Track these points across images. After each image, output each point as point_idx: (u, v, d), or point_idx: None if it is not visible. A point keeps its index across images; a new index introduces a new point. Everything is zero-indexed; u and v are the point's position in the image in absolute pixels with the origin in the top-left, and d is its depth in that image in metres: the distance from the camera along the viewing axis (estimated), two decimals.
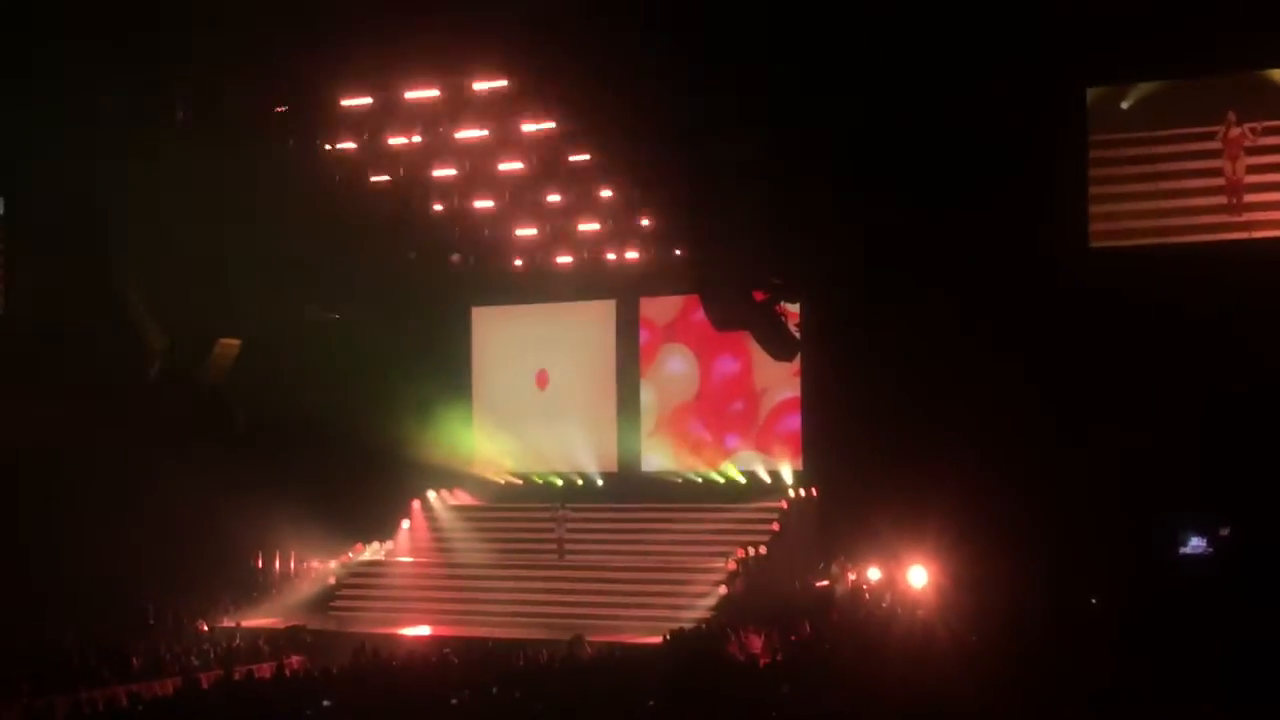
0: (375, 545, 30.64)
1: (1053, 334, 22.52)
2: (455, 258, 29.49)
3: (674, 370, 30.72)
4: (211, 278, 25.48)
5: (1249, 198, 22.68)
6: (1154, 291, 22.16)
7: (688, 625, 22.97)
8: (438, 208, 27.30)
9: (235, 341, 27.16)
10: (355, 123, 24.33)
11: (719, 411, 30.32)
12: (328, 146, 24.87)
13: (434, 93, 23.30)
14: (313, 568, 30.08)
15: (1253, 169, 22.66)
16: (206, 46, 21.44)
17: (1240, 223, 22.72)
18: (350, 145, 24.81)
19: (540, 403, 31.84)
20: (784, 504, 28.48)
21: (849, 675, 15.19)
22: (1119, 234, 23.42)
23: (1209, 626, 15.66)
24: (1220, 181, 22.77)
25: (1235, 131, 22.65)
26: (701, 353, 30.31)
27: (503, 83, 22.86)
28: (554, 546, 29.07)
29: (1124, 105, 23.44)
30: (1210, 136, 22.86)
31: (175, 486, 25.87)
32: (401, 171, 25.76)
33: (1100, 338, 22.35)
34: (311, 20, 20.91)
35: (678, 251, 27.19)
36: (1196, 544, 22.43)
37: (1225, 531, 22.27)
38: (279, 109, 23.62)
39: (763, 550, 27.23)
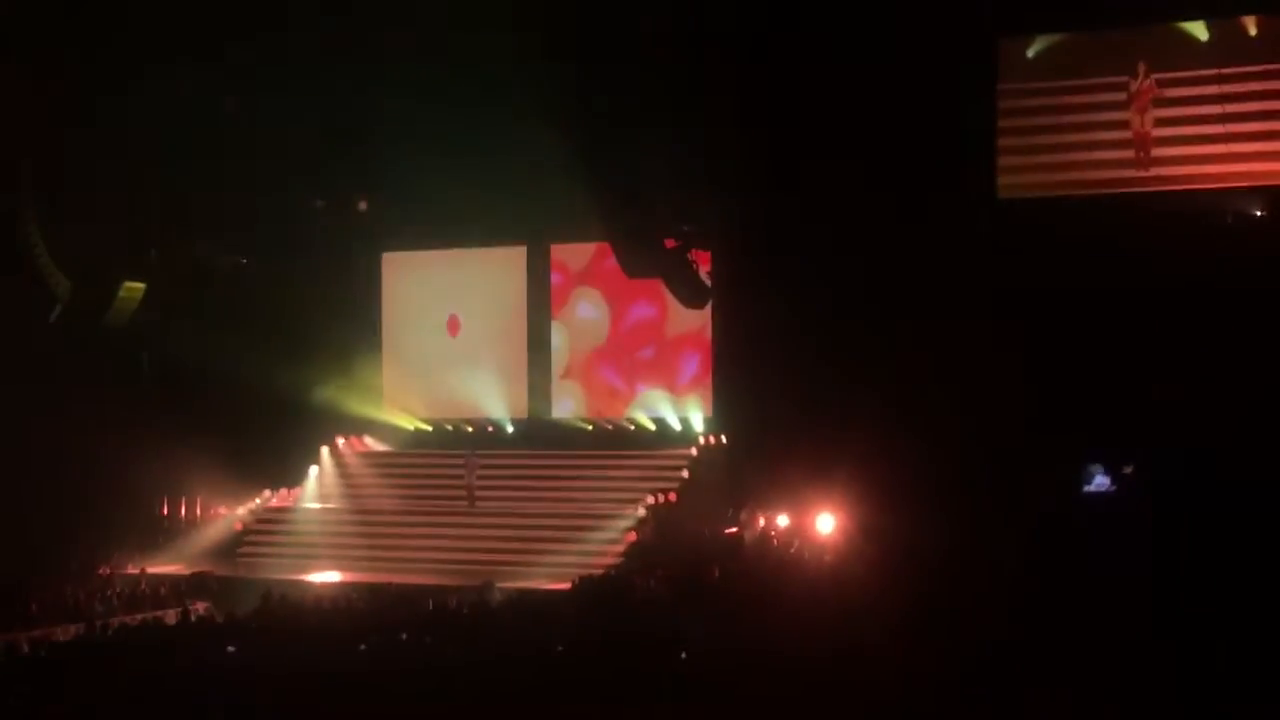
0: (283, 491, 30.42)
1: (960, 284, 22.68)
2: (362, 205, 29.22)
3: (585, 316, 30.63)
4: (115, 220, 25.10)
5: (1156, 151, 22.90)
6: (1061, 242, 22.38)
7: (597, 571, 23.07)
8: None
9: (140, 285, 26.77)
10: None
11: (630, 358, 30.30)
12: None
13: None
14: (220, 514, 29.81)
15: (1160, 121, 22.85)
16: None
17: (1148, 176, 22.94)
18: None
19: (451, 349, 31.64)
20: (694, 451, 28.57)
21: (755, 615, 15.34)
22: (1027, 185, 23.60)
23: (1113, 564, 15.94)
24: (1128, 134, 22.97)
25: (1144, 83, 22.82)
26: (614, 299, 30.24)
27: None
28: (464, 493, 29.02)
29: (1030, 54, 23.51)
30: (1120, 88, 23.02)
31: (79, 431, 25.53)
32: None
33: (1007, 288, 22.54)
34: None
35: (587, 199, 27.08)
36: (1100, 482, 22.81)
37: (1129, 469, 22.66)
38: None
39: (672, 497, 27.34)
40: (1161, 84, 22.73)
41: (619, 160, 23.31)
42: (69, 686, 13.81)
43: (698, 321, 28.56)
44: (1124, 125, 22.96)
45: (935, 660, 11.48)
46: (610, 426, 30.22)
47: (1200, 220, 22.31)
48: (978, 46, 23.02)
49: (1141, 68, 22.80)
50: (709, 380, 28.85)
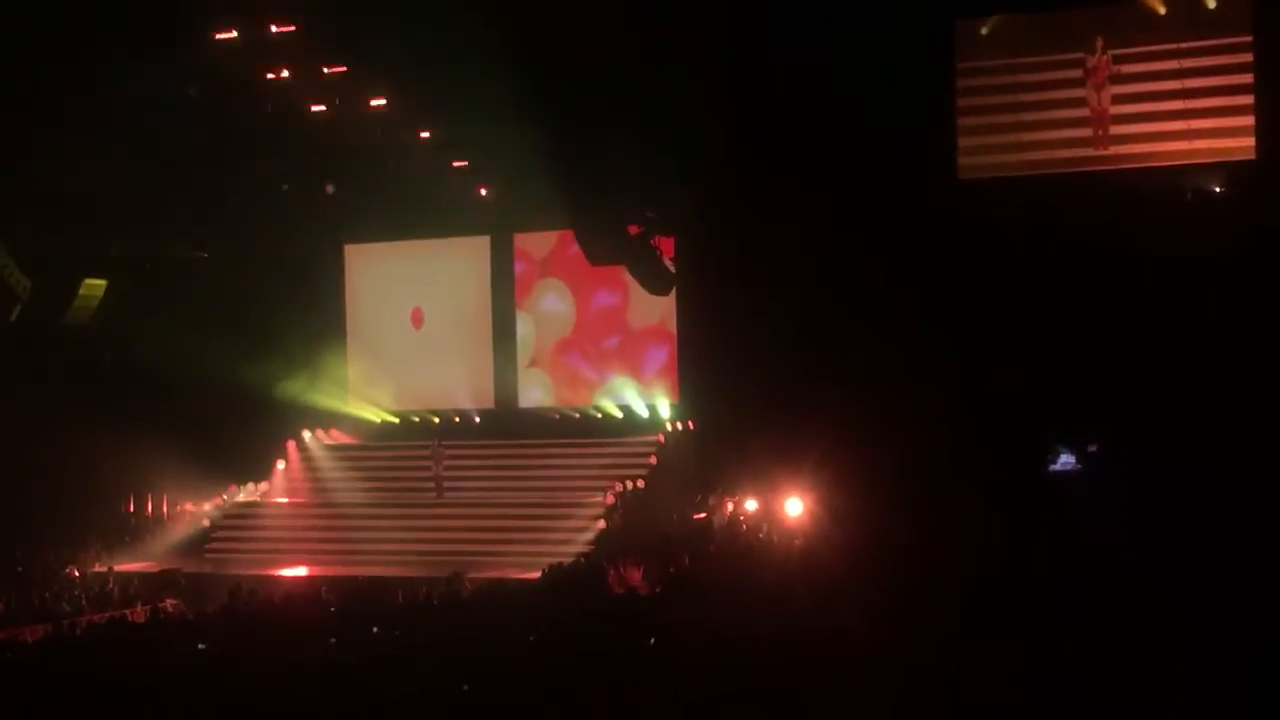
0: (250, 487, 30.32)
1: (923, 266, 22.75)
2: (329, 188, 29.08)
3: (550, 308, 30.60)
4: (74, 217, 24.94)
5: (1114, 129, 22.95)
6: (1021, 222, 22.47)
7: (566, 560, 23.06)
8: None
9: (100, 282, 26.62)
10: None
11: (596, 347, 30.30)
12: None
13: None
14: (187, 511, 29.72)
15: (1119, 98, 22.85)
16: None
17: (1107, 155, 22.97)
18: None
19: (416, 341, 31.59)
20: (661, 438, 28.61)
21: (725, 602, 15.37)
22: (986, 166, 23.64)
23: (1079, 542, 16.05)
24: (1086, 112, 22.98)
25: (1101, 59, 22.80)
26: (578, 288, 30.22)
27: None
28: (432, 485, 28.98)
29: (983, 31, 23.42)
30: (1077, 64, 23.00)
31: (43, 430, 25.37)
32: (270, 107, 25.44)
33: (969, 269, 22.63)
34: None
35: (550, 187, 27.05)
36: (1066, 460, 22.96)
37: (1093, 448, 22.80)
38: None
39: (640, 484, 27.37)
40: (1119, 60, 22.71)
41: (583, 148, 23.28)
42: (37, 687, 13.72)
43: (660, 310, 28.57)
44: (1082, 103, 22.97)
45: (905, 641, 11.53)
46: (577, 415, 30.23)
47: (1160, 197, 22.43)
48: (935, 27, 23.01)
49: (1099, 42, 22.76)
50: (675, 367, 28.88)
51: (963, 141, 23.51)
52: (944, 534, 17.24)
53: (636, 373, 29.88)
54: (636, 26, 21.64)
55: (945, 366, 22.11)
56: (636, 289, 27.43)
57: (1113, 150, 22.93)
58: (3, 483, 25.02)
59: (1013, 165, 23.47)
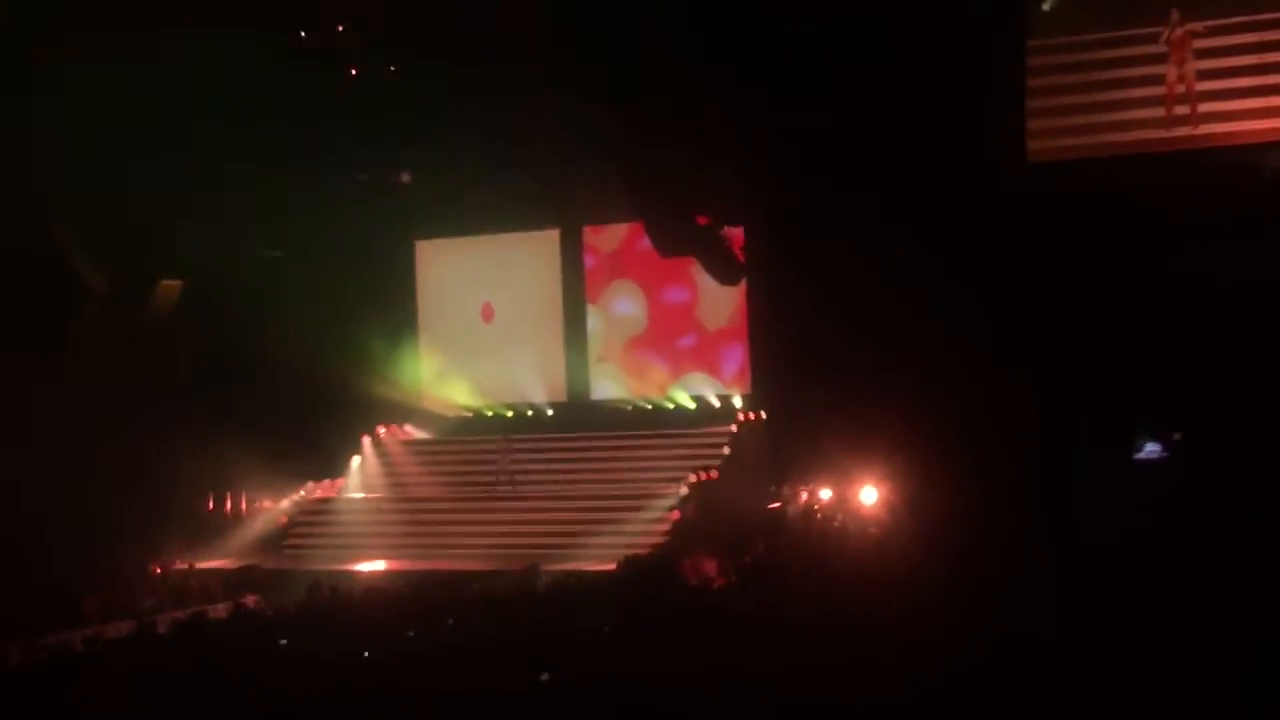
0: (327, 482, 30.57)
1: (994, 252, 22.49)
2: (405, 176, 29.19)
3: (622, 310, 30.65)
4: (151, 216, 25.20)
5: (1191, 106, 22.37)
6: (1096, 204, 22.11)
7: (641, 552, 23.09)
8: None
9: (177, 282, 26.92)
10: None
11: (670, 345, 30.30)
12: None
13: None
14: (265, 507, 29.98)
15: (1202, 74, 22.13)
16: None
17: (1184, 135, 22.35)
18: None
19: (487, 336, 31.73)
20: (734, 428, 28.56)
21: (800, 592, 15.32)
22: (1057, 149, 23.15)
23: (1166, 533, 15.77)
24: (1161, 89, 22.37)
25: (1179, 32, 22.23)
26: (649, 285, 30.24)
27: None
28: (504, 479, 29.06)
29: (1045, 6, 22.84)
30: (1150, 39, 22.44)
31: (122, 430, 25.67)
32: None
33: (1042, 254, 22.34)
34: None
35: (620, 178, 27.05)
36: (1151, 449, 22.69)
37: (1177, 436, 22.50)
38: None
39: (714, 474, 27.33)
40: (1192, 34, 22.06)
41: (651, 140, 23.26)
42: (122, 685, 13.90)
43: (731, 307, 28.51)
44: (1157, 80, 22.32)
45: (983, 632, 11.42)
46: (649, 406, 30.24)
47: (1238, 175, 21.95)
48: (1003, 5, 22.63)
49: (1175, 14, 22.11)
50: (746, 356, 28.84)
51: (1032, 124, 23.12)
52: (1020, 522, 17.09)
53: (708, 363, 29.86)
54: (699, 23, 21.55)
55: (1021, 352, 21.87)
56: (706, 286, 27.42)
57: (1191, 130, 22.33)
58: (85, 482, 25.33)
59: (1084, 147, 23.03)
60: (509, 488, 28.98)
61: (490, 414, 31.54)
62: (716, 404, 29.47)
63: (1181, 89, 22.24)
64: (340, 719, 11.76)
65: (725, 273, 25.89)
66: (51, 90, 22.81)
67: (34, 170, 24.08)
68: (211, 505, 29.75)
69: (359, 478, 30.99)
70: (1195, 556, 13.98)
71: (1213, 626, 11.23)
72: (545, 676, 11.90)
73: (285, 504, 29.96)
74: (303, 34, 24.02)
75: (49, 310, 25.48)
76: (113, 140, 23.27)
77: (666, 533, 25.50)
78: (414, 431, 31.91)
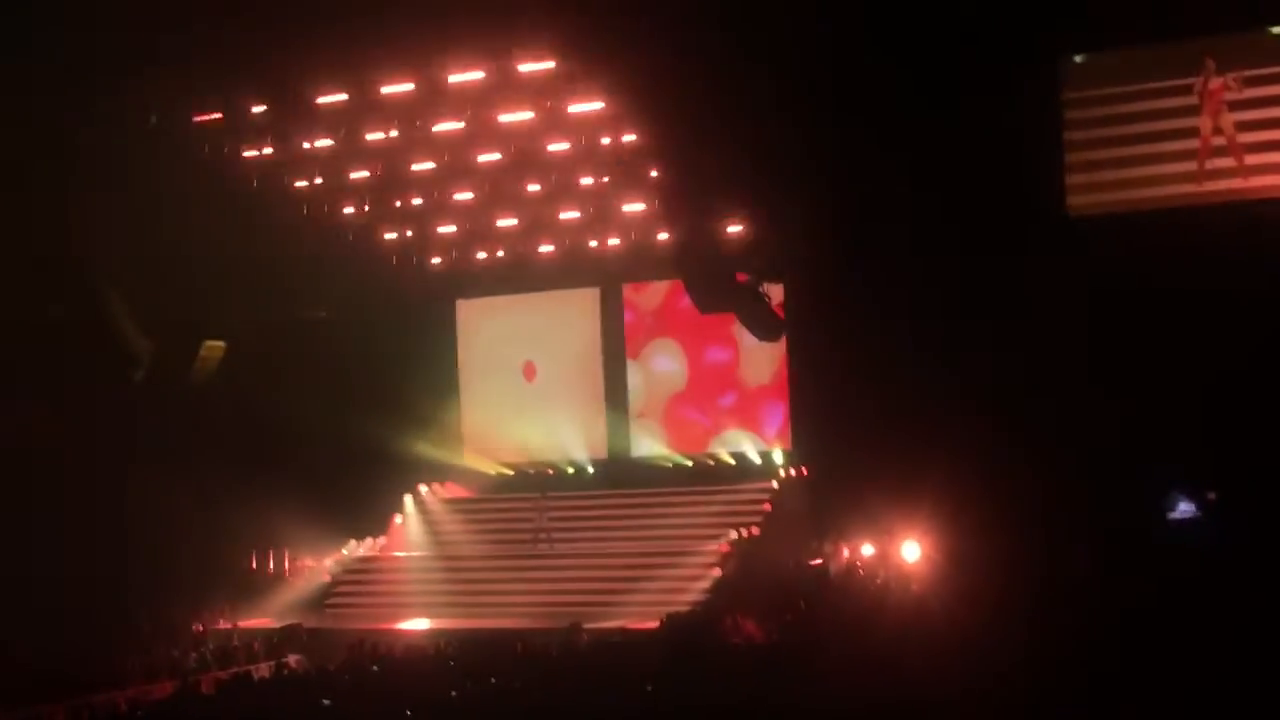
0: (369, 541, 30.65)
1: (1035, 308, 22.39)
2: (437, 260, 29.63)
3: (663, 367, 30.73)
4: (194, 280, 25.46)
5: (1225, 160, 22.16)
6: (1136, 258, 21.96)
7: (683, 609, 23.02)
8: (417, 201, 27.50)
9: (220, 344, 27.14)
10: (330, 120, 24.41)
11: (712, 403, 30.36)
12: (305, 145, 25.03)
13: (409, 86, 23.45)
14: (307, 566, 30.08)
15: (1241, 125, 21.87)
16: (174, 48, 21.40)
17: (1239, 188, 21.98)
18: (328, 142, 24.94)
19: (529, 394, 31.85)
20: (774, 484, 28.53)
21: (842, 654, 15.22)
22: (1096, 204, 22.98)
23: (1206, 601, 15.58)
24: (1195, 143, 22.15)
25: (1215, 83, 22.10)
26: (688, 343, 30.32)
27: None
28: (541, 536, 29.09)
29: (1077, 60, 22.62)
30: (1183, 90, 22.33)
31: (167, 491, 25.83)
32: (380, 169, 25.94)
33: (1085, 307, 22.23)
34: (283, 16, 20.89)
35: (660, 236, 27.22)
36: (1185, 509, 22.47)
37: (1212, 496, 22.28)
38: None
39: (755, 531, 27.29)
40: (1235, 83, 21.68)
41: (690, 197, 23.40)
42: None
43: (771, 362, 28.53)
44: (1192, 132, 22.08)
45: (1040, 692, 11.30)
46: (690, 463, 30.24)
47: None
48: (1040, 62, 22.60)
49: (1210, 64, 21.91)
50: (787, 412, 28.79)
51: (1071, 178, 23.02)
52: (1062, 577, 16.96)
53: (748, 420, 29.88)
54: (741, 73, 21.64)
55: (1063, 411, 21.72)
56: (746, 344, 27.44)
57: (1243, 182, 21.92)
58: (130, 542, 25.51)
59: (1121, 202, 22.86)
60: (547, 545, 28.98)
61: (532, 471, 31.59)
62: (757, 460, 29.44)
63: (1221, 141, 22.04)
64: None
65: (764, 330, 25.91)
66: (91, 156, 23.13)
67: (76, 237, 24.38)
68: (254, 564, 29.88)
69: (401, 535, 31.08)
70: (1234, 613, 13.83)
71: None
72: None
73: (328, 562, 30.05)
74: None
75: (94, 376, 25.72)
76: (153, 205, 23.60)
77: (708, 590, 25.43)
78: (456, 490, 31.99)
